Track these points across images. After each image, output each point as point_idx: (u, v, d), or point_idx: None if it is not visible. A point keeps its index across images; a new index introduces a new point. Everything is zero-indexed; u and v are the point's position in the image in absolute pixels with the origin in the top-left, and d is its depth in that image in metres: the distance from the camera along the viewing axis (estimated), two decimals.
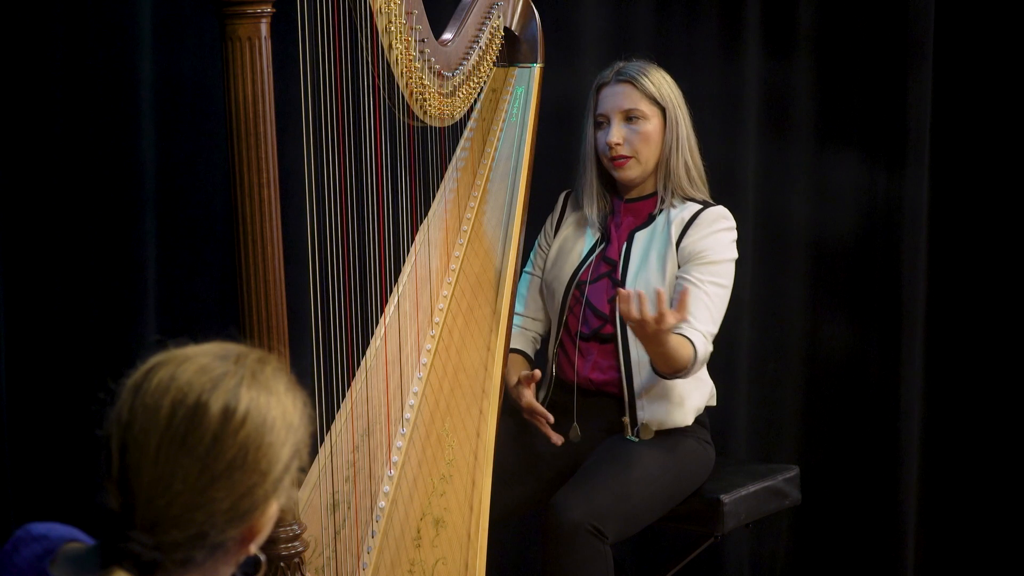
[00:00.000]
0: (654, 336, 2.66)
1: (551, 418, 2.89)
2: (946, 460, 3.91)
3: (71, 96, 3.15)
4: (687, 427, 2.94)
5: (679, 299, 2.69)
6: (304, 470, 1.41)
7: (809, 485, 3.30)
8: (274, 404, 1.33)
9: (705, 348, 2.83)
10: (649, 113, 2.92)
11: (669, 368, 2.79)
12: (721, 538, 3.00)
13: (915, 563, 3.86)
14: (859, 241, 3.85)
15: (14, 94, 3.11)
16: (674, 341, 2.74)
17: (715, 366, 3.54)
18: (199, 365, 1.32)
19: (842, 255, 3.85)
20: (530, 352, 3.07)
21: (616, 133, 2.91)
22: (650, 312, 2.62)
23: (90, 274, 3.19)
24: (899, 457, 3.82)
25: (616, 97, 2.93)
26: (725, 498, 2.95)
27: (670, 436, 2.92)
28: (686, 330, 2.79)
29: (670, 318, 2.62)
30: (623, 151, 2.92)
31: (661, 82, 2.94)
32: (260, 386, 1.33)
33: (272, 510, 1.34)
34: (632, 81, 2.92)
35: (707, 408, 3.02)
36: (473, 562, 2.45)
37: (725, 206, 3.01)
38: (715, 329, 2.87)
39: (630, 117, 2.92)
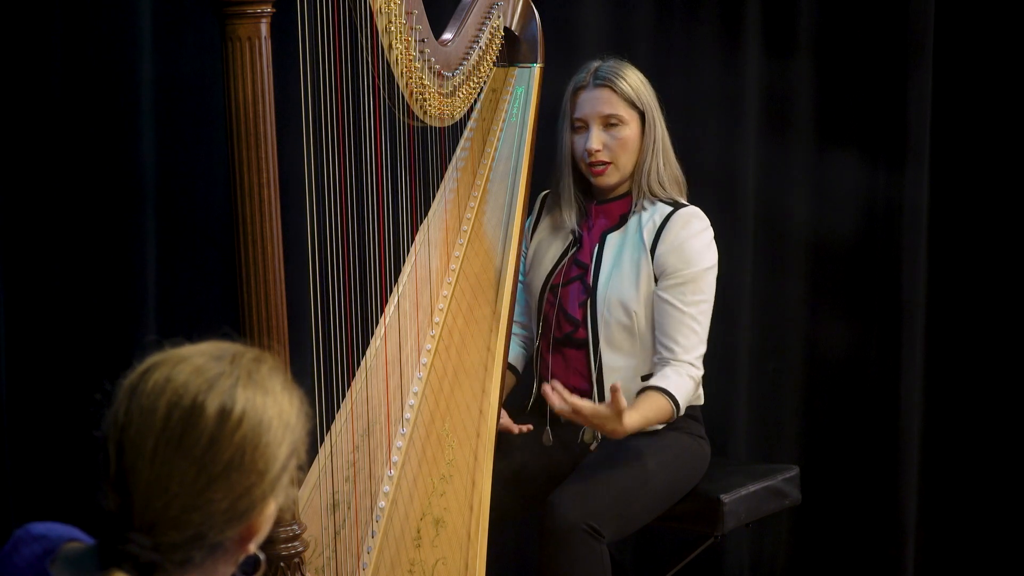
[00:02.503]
0: (599, 429, 2.71)
1: (510, 422, 2.94)
2: (946, 460, 3.91)
3: (71, 96, 3.16)
4: (678, 423, 2.93)
5: (612, 398, 2.67)
6: (303, 469, 1.40)
7: (809, 485, 3.30)
8: (270, 404, 1.33)
9: (690, 383, 2.83)
10: (628, 118, 2.90)
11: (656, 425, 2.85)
12: (721, 538, 3.00)
13: (915, 563, 3.86)
14: (859, 241, 3.85)
15: (14, 94, 3.11)
16: (645, 409, 2.76)
17: (715, 365, 3.54)
18: (195, 366, 1.32)
19: (842, 255, 3.85)
20: (517, 362, 3.07)
21: (596, 140, 2.88)
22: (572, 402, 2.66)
23: (90, 274, 3.19)
24: (899, 457, 3.82)
25: (595, 102, 2.90)
26: (725, 498, 2.95)
27: (664, 431, 2.91)
28: (667, 375, 2.81)
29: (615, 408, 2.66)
30: (602, 157, 2.89)
31: (639, 84, 2.91)
32: (256, 386, 1.33)
33: (270, 509, 1.34)
34: (611, 85, 2.89)
35: (698, 406, 3.01)
36: (473, 562, 2.45)
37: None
38: (704, 347, 2.87)
39: (609, 123, 2.90)
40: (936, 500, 3.91)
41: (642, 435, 2.86)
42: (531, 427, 2.95)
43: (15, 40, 3.10)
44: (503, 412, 2.92)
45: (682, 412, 2.83)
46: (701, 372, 2.87)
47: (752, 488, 3.03)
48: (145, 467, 1.29)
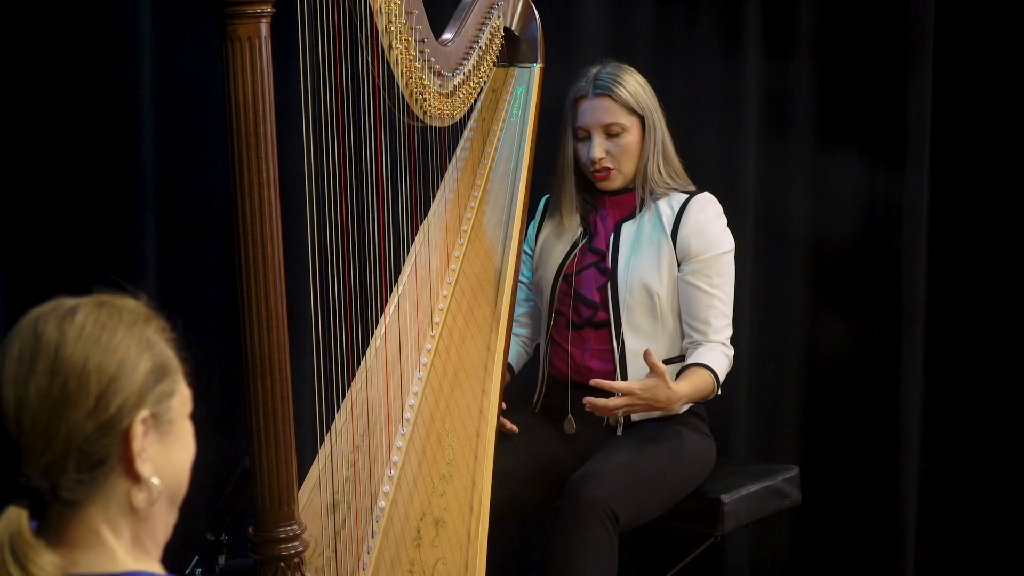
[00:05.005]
0: (654, 404, 2.76)
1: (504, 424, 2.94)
2: (946, 460, 3.91)
3: (71, 96, 3.15)
4: (687, 420, 2.94)
5: (648, 363, 2.74)
6: (190, 376, 1.44)
7: (809, 485, 3.30)
8: (114, 317, 1.40)
9: (725, 360, 2.91)
10: (628, 124, 2.93)
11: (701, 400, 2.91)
12: (721, 538, 3.01)
13: (915, 563, 3.86)
14: (859, 241, 3.85)
15: (14, 94, 3.11)
16: (693, 379, 2.83)
17: None
18: (50, 303, 1.41)
19: (842, 255, 3.85)
20: (514, 361, 3.09)
21: (599, 148, 2.93)
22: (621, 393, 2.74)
23: (90, 274, 3.19)
24: (899, 457, 3.82)
25: (596, 111, 2.93)
26: (725, 498, 2.95)
27: (673, 428, 2.92)
28: (703, 352, 2.88)
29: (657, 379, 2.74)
30: (606, 164, 2.94)
31: (637, 89, 2.95)
32: (103, 308, 1.41)
33: (143, 414, 1.37)
34: (610, 94, 2.92)
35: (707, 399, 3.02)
36: (473, 562, 2.45)
37: (725, 206, 3.01)
38: (731, 328, 2.95)
39: (611, 132, 2.93)
40: (936, 500, 3.91)
41: (655, 427, 2.89)
42: (516, 429, 2.95)
43: (15, 40, 3.10)
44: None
45: (719, 389, 2.90)
46: (732, 351, 2.94)
47: (752, 488, 3.03)
48: (9, 390, 1.35)
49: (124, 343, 1.39)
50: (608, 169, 2.94)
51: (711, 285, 2.90)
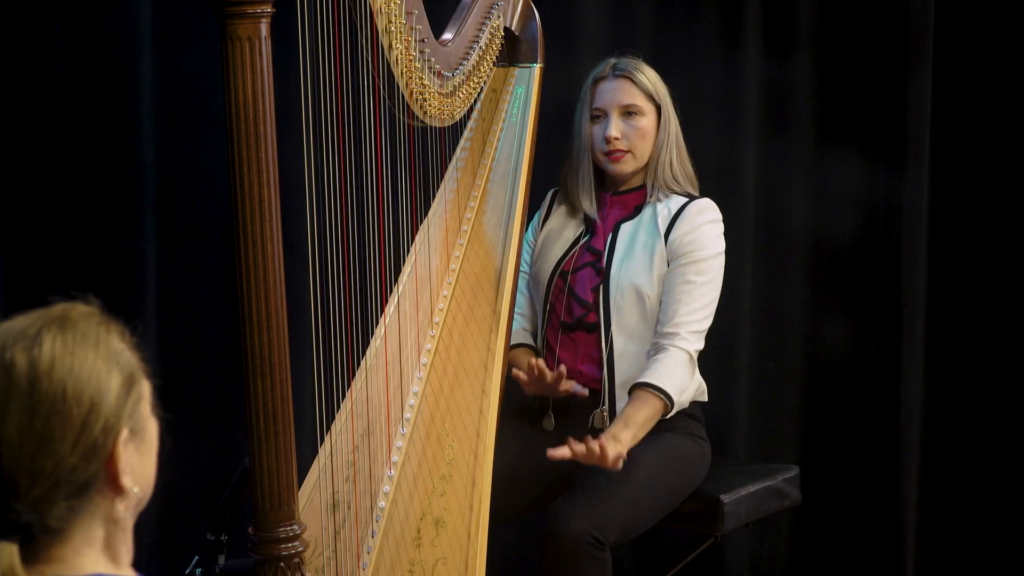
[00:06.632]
0: (618, 447, 2.73)
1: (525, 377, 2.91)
2: (946, 459, 3.91)
3: (71, 96, 3.16)
4: (678, 424, 2.93)
5: (597, 447, 2.70)
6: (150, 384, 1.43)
7: (809, 485, 3.30)
8: (79, 339, 1.37)
9: (676, 369, 2.84)
10: (645, 109, 2.96)
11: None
12: (721, 538, 3.00)
13: (915, 563, 3.86)
14: (859, 241, 3.85)
15: (14, 93, 3.11)
16: (636, 417, 2.78)
17: (715, 365, 3.55)
18: (14, 325, 1.37)
19: (842, 255, 3.85)
20: (529, 341, 3.09)
21: (615, 127, 2.94)
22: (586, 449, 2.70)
23: (90, 274, 3.19)
24: (899, 457, 3.82)
25: (615, 92, 2.96)
26: (725, 498, 2.95)
27: (666, 434, 2.91)
28: (652, 371, 2.83)
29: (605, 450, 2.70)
30: (621, 145, 2.95)
31: (656, 79, 2.99)
32: (65, 328, 1.37)
33: (124, 437, 1.36)
34: (630, 76, 2.96)
35: (700, 404, 3.01)
36: (473, 562, 2.45)
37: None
38: (706, 324, 2.90)
39: (628, 112, 2.95)
40: (936, 500, 3.91)
41: (643, 439, 2.86)
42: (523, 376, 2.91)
43: (15, 40, 3.10)
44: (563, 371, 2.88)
45: (677, 399, 2.83)
46: (696, 347, 2.88)
47: (752, 488, 3.03)
48: None
49: (95, 364, 1.36)
50: (622, 151, 2.95)
51: (689, 283, 2.88)
